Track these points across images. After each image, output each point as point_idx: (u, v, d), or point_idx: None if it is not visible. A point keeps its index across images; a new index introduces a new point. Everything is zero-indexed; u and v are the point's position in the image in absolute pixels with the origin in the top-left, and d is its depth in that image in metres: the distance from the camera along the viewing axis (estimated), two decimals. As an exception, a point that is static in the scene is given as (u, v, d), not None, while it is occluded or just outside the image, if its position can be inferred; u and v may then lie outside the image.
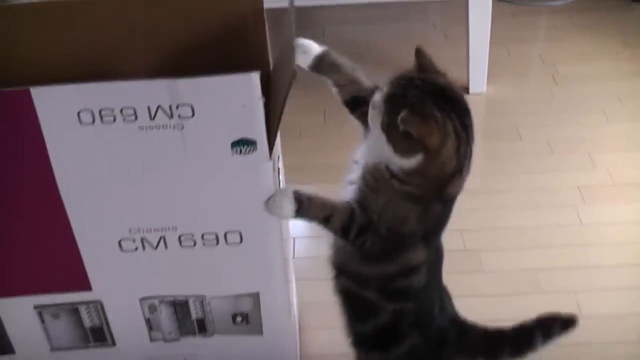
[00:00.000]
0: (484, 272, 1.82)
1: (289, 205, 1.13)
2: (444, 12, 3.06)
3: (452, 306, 1.30)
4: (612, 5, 3.12)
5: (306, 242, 1.91)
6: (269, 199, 1.16)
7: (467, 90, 2.53)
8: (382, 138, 1.10)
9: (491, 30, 2.43)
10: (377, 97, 1.11)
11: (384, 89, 1.11)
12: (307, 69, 1.21)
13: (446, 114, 1.06)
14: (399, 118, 1.04)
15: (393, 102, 1.08)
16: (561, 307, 1.64)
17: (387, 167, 1.12)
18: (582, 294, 1.75)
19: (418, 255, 1.17)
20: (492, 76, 2.57)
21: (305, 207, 1.14)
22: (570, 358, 1.56)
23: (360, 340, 1.30)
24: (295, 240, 1.90)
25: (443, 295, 1.27)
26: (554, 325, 1.26)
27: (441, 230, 1.19)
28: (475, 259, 1.85)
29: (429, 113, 1.05)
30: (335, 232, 1.16)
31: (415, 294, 1.21)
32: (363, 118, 1.16)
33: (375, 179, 1.14)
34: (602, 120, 2.38)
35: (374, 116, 1.11)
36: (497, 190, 2.09)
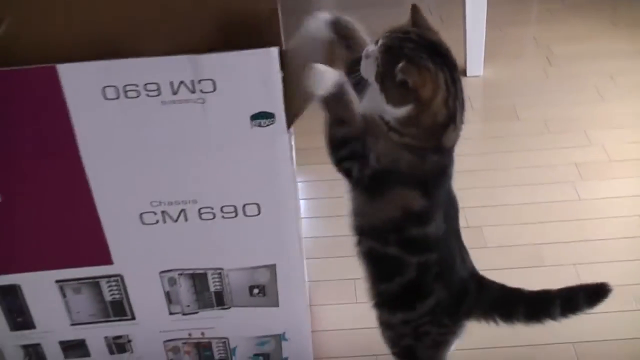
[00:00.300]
0: (487, 247, 1.87)
1: (333, 78, 1.15)
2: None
3: (470, 261, 1.34)
4: (602, -13, 3.17)
5: (308, 222, 1.94)
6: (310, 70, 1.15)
7: (464, 73, 2.58)
8: (376, 88, 1.15)
9: (485, 19, 2.48)
10: (372, 48, 1.15)
11: (380, 40, 1.15)
12: (324, 30, 1.23)
13: (439, 67, 1.12)
14: (398, 68, 1.09)
15: (390, 54, 1.13)
16: (562, 279, 1.70)
17: (382, 118, 1.16)
18: (583, 266, 1.80)
19: (416, 201, 1.20)
20: (488, 59, 2.61)
21: (340, 93, 1.15)
22: (571, 324, 1.60)
23: (386, 300, 1.34)
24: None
25: (462, 248, 1.32)
26: (578, 298, 1.29)
27: (443, 181, 1.22)
28: (478, 235, 1.90)
29: (424, 65, 1.11)
30: (334, 138, 1.18)
31: (435, 244, 1.25)
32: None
33: (373, 128, 1.17)
34: (596, 98, 2.44)
35: (368, 66, 1.16)
36: (497, 168, 2.14)
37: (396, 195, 1.20)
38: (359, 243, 1.29)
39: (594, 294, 1.28)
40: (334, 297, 1.77)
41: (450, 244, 1.28)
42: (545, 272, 1.79)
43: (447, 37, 1.18)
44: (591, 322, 1.56)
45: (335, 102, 1.16)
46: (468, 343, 1.45)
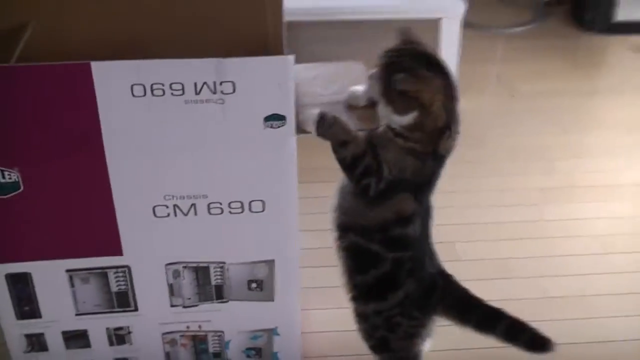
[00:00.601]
0: (460, 260, 2.00)
1: (313, 116, 1.29)
2: (416, 33, 3.27)
3: (438, 259, 1.46)
4: (563, 32, 3.39)
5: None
6: (299, 113, 1.29)
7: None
8: (383, 102, 1.30)
9: (458, 60, 2.65)
10: (373, 71, 1.31)
11: (379, 61, 1.30)
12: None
13: (434, 74, 1.27)
14: (396, 79, 1.24)
15: (388, 70, 1.29)
16: (530, 289, 1.85)
17: (390, 127, 1.30)
18: (548, 278, 1.95)
19: (409, 205, 1.34)
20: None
21: (328, 123, 1.29)
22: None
23: (361, 292, 1.46)
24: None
25: (432, 248, 1.44)
26: (520, 335, 1.42)
27: (431, 187, 1.36)
28: (451, 250, 2.03)
29: (420, 73, 1.26)
30: (344, 159, 1.31)
31: (411, 243, 1.38)
32: None
33: (380, 138, 1.31)
34: (559, 131, 2.61)
35: (373, 87, 1.32)
36: (467, 190, 2.28)
37: (397, 200, 1.33)
38: (341, 238, 1.41)
39: (537, 343, 1.41)
40: (320, 302, 1.87)
41: (423, 244, 1.41)
42: (513, 283, 1.93)
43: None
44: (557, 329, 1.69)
45: (327, 127, 1.29)
46: (444, 344, 1.57)
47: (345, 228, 1.40)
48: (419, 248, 1.40)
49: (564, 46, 3.26)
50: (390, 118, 1.30)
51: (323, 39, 3.03)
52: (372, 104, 1.39)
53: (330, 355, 1.73)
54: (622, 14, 3.26)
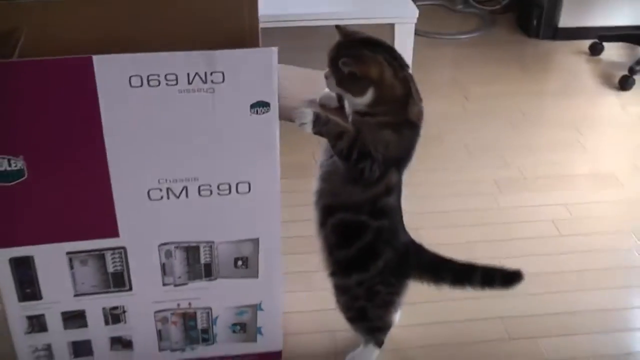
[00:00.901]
0: (425, 245, 2.15)
1: (309, 116, 1.43)
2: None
3: (406, 230, 1.62)
4: (510, 39, 3.61)
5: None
6: (295, 110, 1.43)
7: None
8: (342, 92, 1.46)
9: (412, 64, 2.82)
10: (325, 71, 1.47)
11: (327, 59, 1.46)
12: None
13: (374, 51, 1.44)
14: (340, 64, 1.41)
15: (334, 62, 1.45)
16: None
17: (356, 111, 1.46)
18: (505, 259, 2.09)
19: (393, 177, 1.50)
20: (414, 94, 2.95)
21: (323, 121, 1.43)
22: (500, 306, 1.91)
23: (342, 266, 1.60)
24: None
25: (402, 219, 1.60)
26: (495, 275, 1.60)
27: (410, 158, 1.51)
28: (415, 235, 2.16)
29: (360, 53, 1.43)
30: (342, 150, 1.45)
31: (390, 212, 1.54)
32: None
33: (356, 123, 1.46)
34: (509, 128, 2.81)
35: (330, 84, 1.48)
36: (427, 183, 2.45)
37: (388, 177, 1.48)
38: (327, 218, 1.55)
39: (510, 277, 1.59)
40: (302, 286, 2.00)
41: (398, 212, 1.56)
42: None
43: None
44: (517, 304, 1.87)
45: (322, 125, 1.44)
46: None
47: (332, 208, 1.54)
48: (395, 217, 1.55)
49: (511, 52, 3.47)
50: (355, 103, 1.46)
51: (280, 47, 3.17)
52: (342, 106, 1.54)
53: (308, 333, 1.86)
54: (565, 20, 3.49)
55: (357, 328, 1.70)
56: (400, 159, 1.49)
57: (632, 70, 3.05)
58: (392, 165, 1.48)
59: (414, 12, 2.81)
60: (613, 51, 3.40)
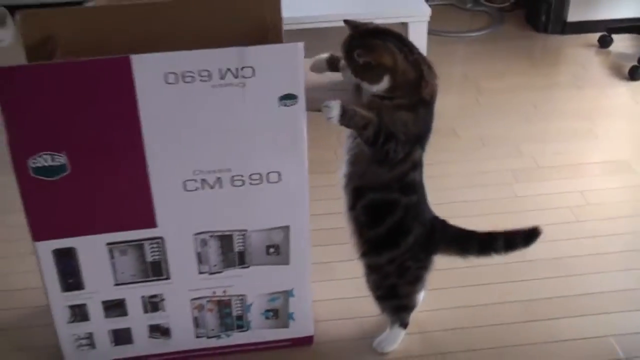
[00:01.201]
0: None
1: (336, 110, 1.49)
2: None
3: (430, 207, 1.70)
4: (519, 35, 3.68)
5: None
6: (323, 105, 1.50)
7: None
8: (359, 81, 1.55)
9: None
10: (341, 62, 1.56)
11: (341, 53, 1.55)
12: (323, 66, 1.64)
13: (385, 40, 1.52)
14: (355, 55, 1.49)
15: (349, 54, 1.53)
16: (508, 255, 2.06)
17: (374, 95, 1.55)
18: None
19: (418, 152, 1.58)
20: (428, 90, 3.03)
21: (349, 114, 1.50)
22: (522, 289, 1.98)
23: (373, 246, 1.68)
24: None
25: (426, 196, 1.68)
26: (516, 238, 1.67)
27: (428, 135, 1.60)
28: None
29: (372, 43, 1.52)
30: (368, 138, 1.53)
31: (417, 187, 1.62)
32: None
33: (375, 105, 1.54)
34: (522, 121, 2.87)
35: (345, 73, 1.57)
36: (445, 175, 2.52)
37: (412, 154, 1.56)
38: (358, 201, 1.62)
39: (529, 235, 1.68)
40: (329, 275, 2.08)
41: (423, 188, 1.64)
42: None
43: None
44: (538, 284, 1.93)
45: (349, 119, 1.51)
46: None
47: (362, 190, 1.62)
48: (421, 192, 1.64)
49: (521, 47, 3.54)
50: (372, 90, 1.54)
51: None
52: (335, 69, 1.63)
53: (336, 319, 1.93)
54: (573, 15, 3.56)
55: (384, 307, 1.77)
56: (420, 135, 1.57)
57: (641, 61, 3.11)
58: (415, 142, 1.56)
59: (427, 11, 2.89)
60: (622, 43, 3.46)
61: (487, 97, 3.07)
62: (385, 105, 1.53)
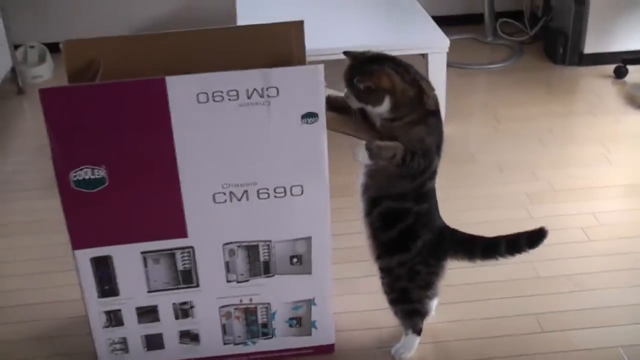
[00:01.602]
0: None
1: (361, 153, 1.64)
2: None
3: (440, 216, 1.81)
4: (537, 66, 3.80)
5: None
6: (352, 150, 1.66)
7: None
8: (364, 105, 1.68)
9: (445, 90, 3.03)
10: (345, 91, 1.70)
11: (344, 82, 1.69)
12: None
13: (381, 64, 1.66)
14: (355, 82, 1.64)
15: (350, 82, 1.67)
16: (522, 271, 2.17)
17: (383, 119, 1.67)
18: (538, 262, 2.27)
19: (435, 162, 1.71)
20: (447, 120, 3.12)
21: (375, 152, 1.64)
22: (534, 303, 2.06)
23: (386, 249, 1.79)
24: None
25: (437, 204, 1.79)
26: (520, 240, 1.77)
27: (442, 142, 1.72)
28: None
29: (371, 69, 1.65)
30: (398, 164, 1.66)
31: (430, 196, 1.74)
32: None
33: (388, 129, 1.67)
34: (538, 146, 2.98)
35: (351, 101, 1.70)
36: (463, 197, 2.62)
37: (432, 166, 1.69)
38: (374, 207, 1.75)
39: (534, 236, 1.76)
40: (348, 290, 2.18)
41: (435, 196, 1.75)
42: (508, 267, 2.23)
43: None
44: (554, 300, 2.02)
45: (377, 155, 1.66)
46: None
47: (378, 199, 1.74)
48: (433, 200, 1.75)
49: (539, 78, 3.66)
50: (378, 113, 1.67)
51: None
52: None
53: (356, 330, 2.03)
54: (589, 47, 3.67)
55: (397, 311, 1.88)
56: (438, 145, 1.70)
57: (655, 90, 3.21)
58: (433, 153, 1.68)
59: (446, 42, 3.02)
60: (637, 74, 3.56)
61: (505, 124, 3.18)
62: (397, 127, 1.66)
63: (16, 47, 3.77)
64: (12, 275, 2.32)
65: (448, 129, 3.05)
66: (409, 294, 1.83)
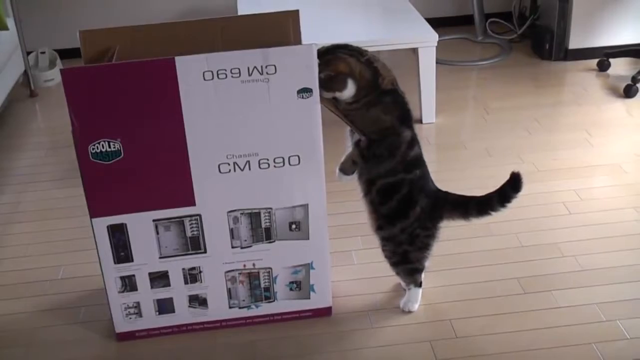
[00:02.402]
0: (450, 226, 2.48)
1: (339, 175, 1.93)
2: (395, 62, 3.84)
3: (432, 180, 1.98)
4: (525, 62, 3.98)
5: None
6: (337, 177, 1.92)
7: (421, 121, 3.27)
8: (332, 94, 1.84)
9: (435, 83, 3.20)
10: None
11: None
12: None
13: (334, 52, 1.83)
14: (318, 75, 1.78)
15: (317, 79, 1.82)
16: (506, 242, 2.33)
17: (346, 103, 1.85)
18: (521, 233, 2.44)
19: (406, 133, 1.87)
20: (439, 112, 3.33)
21: (344, 168, 1.92)
22: (516, 268, 2.22)
23: (387, 218, 1.96)
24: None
25: (428, 171, 1.97)
26: (506, 191, 1.95)
27: (410, 115, 1.89)
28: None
29: (326, 59, 1.81)
30: (361, 160, 1.90)
31: (419, 162, 1.90)
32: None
33: (347, 114, 1.86)
34: (525, 134, 3.14)
35: (322, 96, 1.83)
36: (454, 179, 2.76)
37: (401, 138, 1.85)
38: (371, 187, 1.93)
39: (514, 182, 1.95)
40: (345, 261, 2.35)
41: (425, 163, 1.92)
42: (494, 239, 2.41)
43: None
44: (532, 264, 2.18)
45: (347, 169, 1.95)
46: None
47: (373, 179, 1.93)
48: (423, 166, 1.92)
49: (527, 73, 3.83)
50: (344, 99, 1.85)
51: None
52: None
53: (352, 295, 2.19)
54: (574, 43, 3.85)
55: (399, 271, 2.06)
56: (401, 116, 1.86)
57: (634, 79, 3.38)
58: (395, 128, 1.86)
59: (434, 37, 3.20)
60: (619, 67, 3.74)
61: (493, 115, 3.35)
62: (354, 109, 1.84)
63: (28, 52, 3.95)
64: (28, 256, 2.49)
65: (440, 120, 3.30)
66: (408, 256, 2.01)
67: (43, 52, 4.10)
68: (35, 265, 2.42)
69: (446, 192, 1.98)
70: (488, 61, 4.00)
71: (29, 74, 3.89)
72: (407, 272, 2.05)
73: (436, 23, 3.41)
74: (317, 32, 3.13)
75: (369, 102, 1.83)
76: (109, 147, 1.80)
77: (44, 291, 2.29)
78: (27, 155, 3.26)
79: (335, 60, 1.80)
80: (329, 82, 1.80)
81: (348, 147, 1.96)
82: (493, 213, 1.95)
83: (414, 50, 3.25)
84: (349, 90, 1.82)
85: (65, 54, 4.14)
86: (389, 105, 1.85)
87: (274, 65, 1.76)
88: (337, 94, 1.83)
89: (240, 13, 3.47)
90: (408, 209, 1.93)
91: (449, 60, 3.96)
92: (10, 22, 3.65)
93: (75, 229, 2.58)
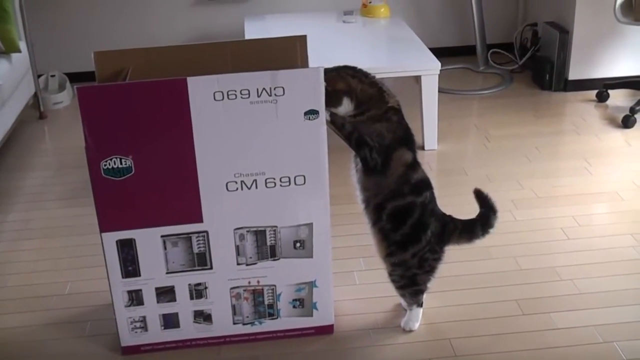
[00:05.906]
0: (452, 248, 2.53)
1: (327, 115, 1.90)
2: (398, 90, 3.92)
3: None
4: (526, 92, 4.06)
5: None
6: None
7: (423, 147, 3.34)
8: (328, 109, 1.89)
9: (437, 110, 3.28)
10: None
11: None
12: None
13: (337, 71, 1.92)
14: None
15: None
16: (505, 265, 2.38)
17: (349, 116, 1.91)
18: (520, 257, 2.48)
19: (407, 155, 1.93)
20: (441, 139, 3.39)
21: (333, 118, 1.91)
22: (515, 291, 2.27)
23: (399, 244, 2.00)
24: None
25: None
26: (489, 215, 2.02)
27: (413, 138, 1.95)
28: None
29: (327, 76, 1.85)
30: (347, 134, 1.92)
31: (425, 184, 1.95)
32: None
33: (352, 123, 1.91)
34: (525, 161, 3.21)
35: (327, 111, 1.90)
36: (454, 204, 2.81)
37: (396, 157, 1.90)
38: (381, 213, 1.96)
39: (481, 200, 2.06)
40: (347, 282, 2.40)
41: (432, 188, 1.97)
42: (493, 262, 2.46)
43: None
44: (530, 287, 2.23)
45: (335, 120, 1.91)
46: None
47: (382, 204, 1.96)
48: (430, 188, 1.97)
49: (527, 102, 3.91)
50: (344, 114, 1.92)
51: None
52: None
53: (354, 314, 2.23)
54: (574, 74, 3.94)
55: (405, 293, 2.10)
56: (403, 138, 1.92)
57: (632, 110, 3.45)
58: (395, 146, 1.91)
59: (437, 65, 3.27)
60: (617, 98, 3.82)
61: (494, 143, 3.42)
62: (360, 121, 1.90)
63: (39, 75, 4.03)
64: (36, 272, 2.54)
65: (441, 147, 3.36)
66: (416, 279, 2.05)
67: (53, 75, 4.19)
68: (43, 281, 2.47)
69: (451, 217, 2.04)
70: (489, 90, 4.08)
71: (39, 96, 3.97)
72: (412, 294, 2.10)
73: (439, 53, 3.49)
74: (323, 58, 3.21)
75: (374, 116, 1.90)
76: (121, 163, 1.86)
77: (51, 306, 2.33)
78: (35, 174, 3.32)
79: (336, 79, 1.89)
80: (326, 97, 1.86)
81: (353, 175, 2.01)
82: (494, 229, 2.03)
83: (417, 79, 3.32)
84: (344, 107, 1.91)
85: (75, 77, 4.22)
86: (394, 124, 1.91)
87: (282, 87, 1.82)
88: (332, 109, 1.90)
89: (247, 37, 3.55)
90: (420, 233, 1.98)
91: (451, 89, 4.04)
92: (22, 45, 3.74)
93: (82, 246, 2.64)
